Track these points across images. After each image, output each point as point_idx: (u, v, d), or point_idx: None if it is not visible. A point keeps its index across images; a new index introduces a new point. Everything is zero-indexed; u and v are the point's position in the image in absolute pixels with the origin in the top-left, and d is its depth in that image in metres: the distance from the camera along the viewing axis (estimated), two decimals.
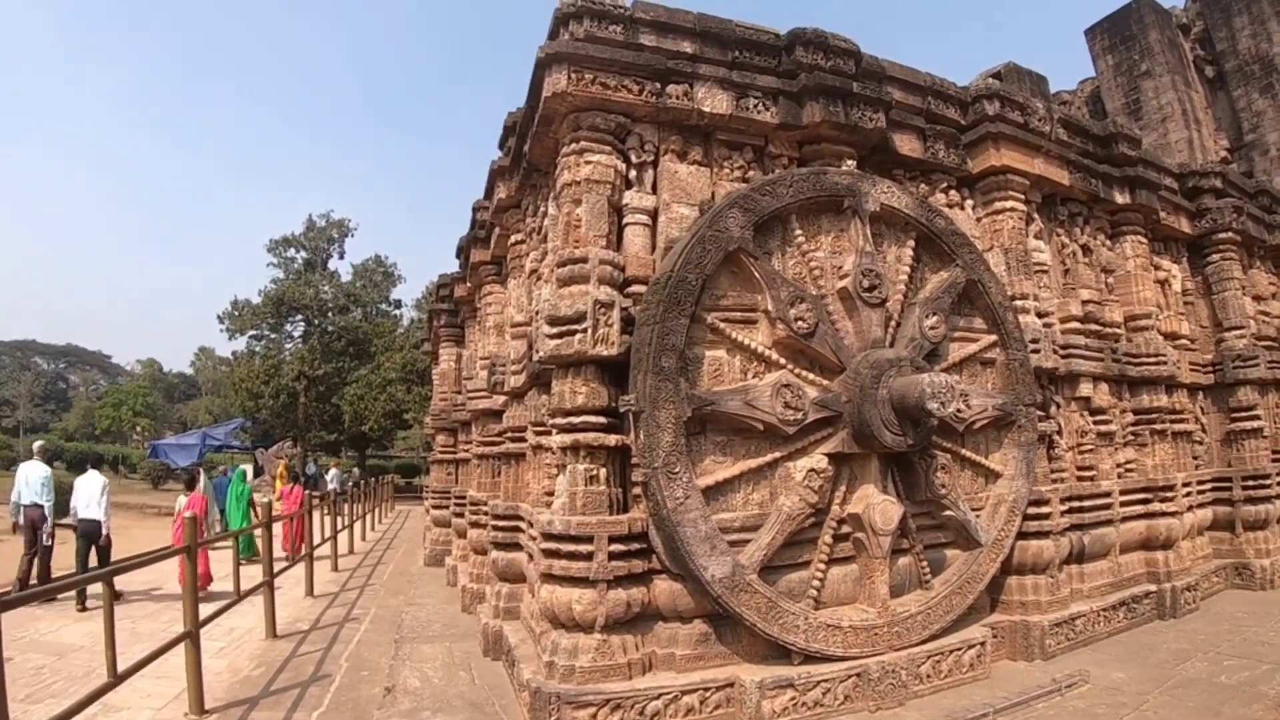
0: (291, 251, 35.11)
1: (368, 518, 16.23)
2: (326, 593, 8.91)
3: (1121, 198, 6.93)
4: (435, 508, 11.39)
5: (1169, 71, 13.49)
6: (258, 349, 33.99)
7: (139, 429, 43.20)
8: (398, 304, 37.60)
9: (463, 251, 8.54)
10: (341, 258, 36.60)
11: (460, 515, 8.53)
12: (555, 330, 4.44)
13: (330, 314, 34.01)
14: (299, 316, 33.93)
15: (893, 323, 5.11)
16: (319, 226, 35.59)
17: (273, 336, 34.47)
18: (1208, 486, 7.83)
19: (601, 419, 4.42)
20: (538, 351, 4.69)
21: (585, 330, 4.35)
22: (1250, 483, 7.95)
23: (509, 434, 6.19)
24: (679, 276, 4.34)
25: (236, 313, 33.44)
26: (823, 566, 4.67)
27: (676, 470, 4.20)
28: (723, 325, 4.55)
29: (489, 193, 6.83)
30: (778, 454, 4.57)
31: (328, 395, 32.29)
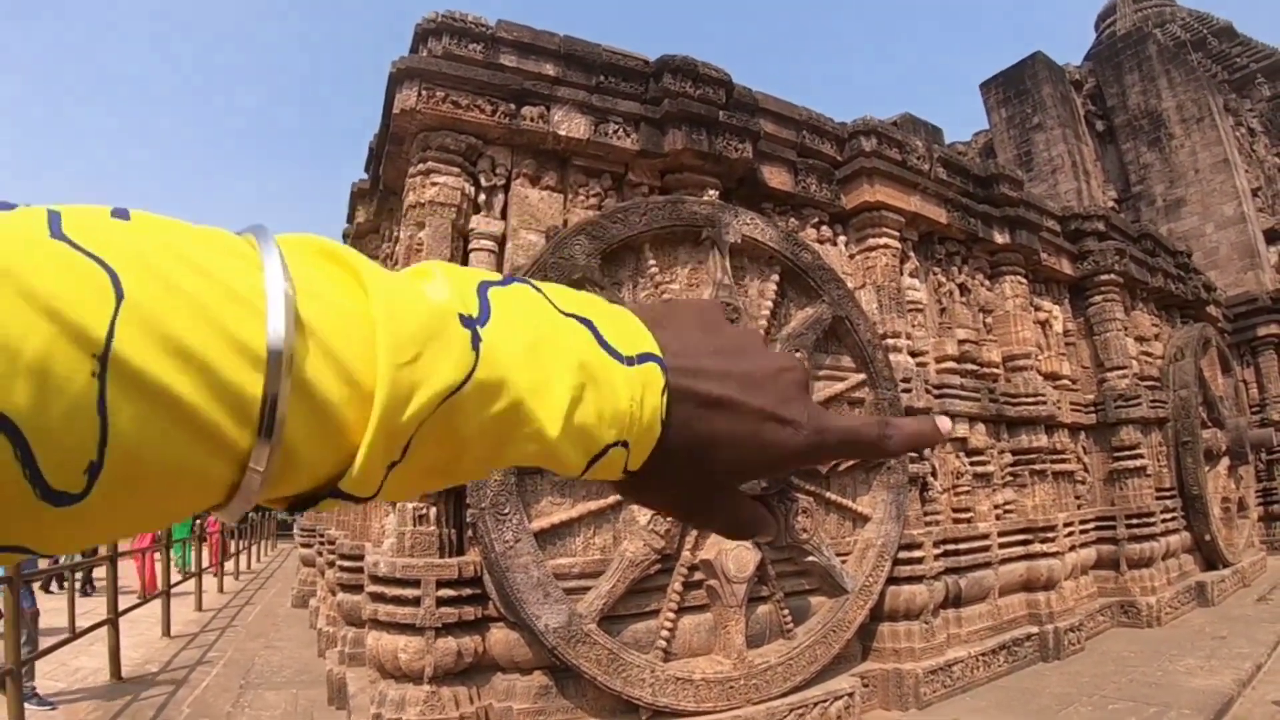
0: None
1: (243, 555, 15.88)
2: (185, 633, 8.47)
3: (1001, 238, 7.00)
4: (304, 545, 10.80)
5: (1060, 125, 14.09)
6: None
7: None
8: None
9: None
10: None
11: (322, 554, 8.05)
12: None
13: None
14: None
15: None
16: None
17: None
18: (1091, 526, 7.88)
19: None
20: None
21: None
22: (1134, 521, 8.03)
23: None
24: None
25: None
26: (673, 616, 4.39)
27: (506, 511, 3.90)
28: None
29: (350, 216, 6.51)
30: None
31: None
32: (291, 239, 0.35)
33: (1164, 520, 8.29)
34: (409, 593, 3.93)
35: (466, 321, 0.35)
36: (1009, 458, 6.76)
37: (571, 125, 4.76)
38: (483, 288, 0.38)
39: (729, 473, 0.44)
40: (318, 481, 0.33)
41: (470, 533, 4.11)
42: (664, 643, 4.33)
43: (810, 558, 4.87)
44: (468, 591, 4.04)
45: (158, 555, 10.14)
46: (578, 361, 0.38)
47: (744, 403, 0.43)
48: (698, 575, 4.50)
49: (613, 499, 4.28)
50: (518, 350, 0.36)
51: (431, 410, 0.33)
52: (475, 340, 0.35)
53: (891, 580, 5.36)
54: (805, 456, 0.45)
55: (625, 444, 0.39)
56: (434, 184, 4.50)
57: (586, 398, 0.38)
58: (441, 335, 0.34)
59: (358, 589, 5.49)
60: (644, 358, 0.40)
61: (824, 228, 5.92)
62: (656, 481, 0.43)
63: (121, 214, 0.30)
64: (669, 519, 4.25)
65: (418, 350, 0.33)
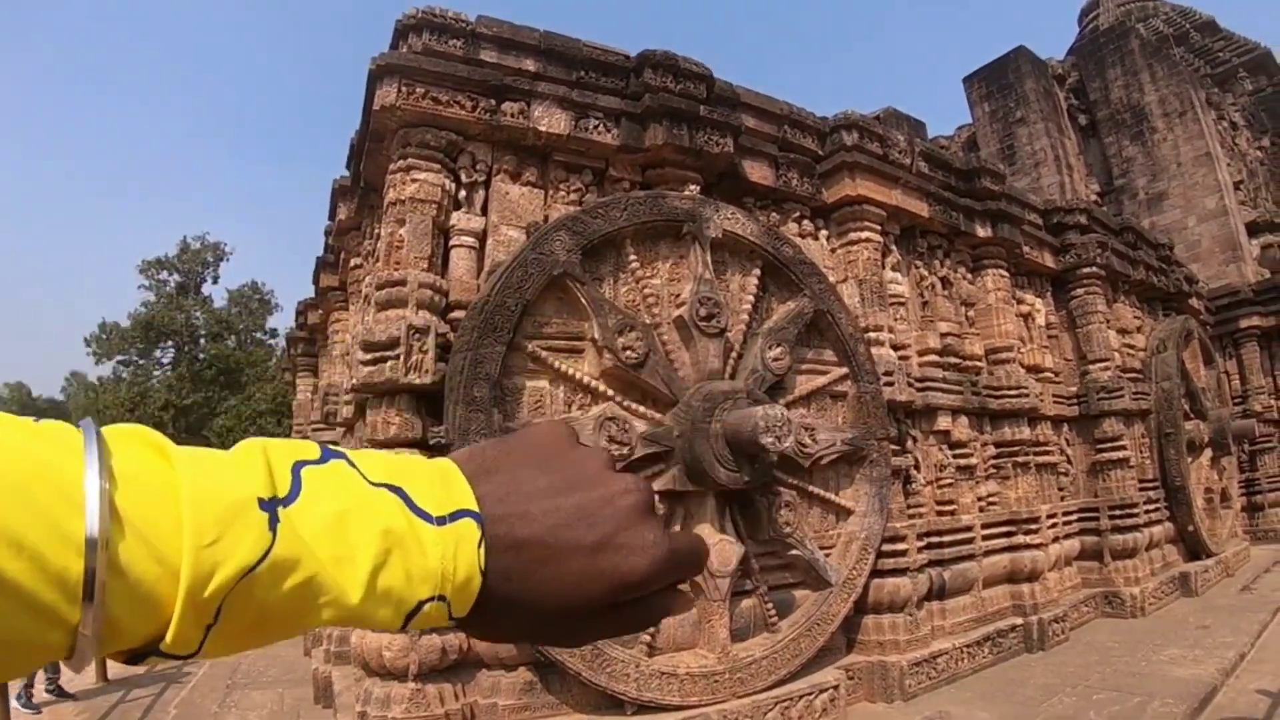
0: (164, 274, 33.21)
1: None
2: None
3: (983, 231, 7.03)
4: None
5: (1043, 119, 14.18)
6: (125, 375, 31.74)
7: None
8: (273, 333, 35.23)
9: (316, 276, 8.14)
10: (216, 282, 34.74)
11: None
12: (369, 357, 4.11)
13: (202, 341, 32.02)
14: (169, 342, 31.92)
15: (733, 354, 4.94)
16: (193, 249, 33.80)
17: (141, 363, 32.14)
18: (1074, 517, 7.93)
19: (415, 452, 4.09)
20: (353, 379, 4.36)
21: (398, 357, 4.03)
22: (1117, 512, 8.08)
23: None
24: (497, 301, 4.07)
25: (104, 336, 31.28)
26: None
27: None
28: (545, 354, 4.29)
29: (332, 213, 6.49)
30: None
31: (197, 427, 30.26)
32: (117, 431, 0.39)
33: (1147, 511, 8.36)
34: None
35: (267, 504, 0.39)
36: (992, 450, 6.80)
37: (552, 121, 4.75)
38: (297, 468, 0.41)
39: (572, 606, 0.45)
40: (145, 642, 0.37)
41: None
42: (648, 637, 4.33)
43: (793, 551, 4.88)
44: None
45: None
46: (382, 529, 0.41)
47: (571, 540, 0.44)
48: None
49: None
50: (320, 526, 0.40)
51: (232, 586, 0.37)
52: (273, 522, 0.39)
53: (875, 573, 5.38)
54: (656, 578, 0.46)
55: (443, 598, 0.42)
56: (414, 180, 4.48)
57: (392, 562, 0.41)
58: (240, 519, 0.38)
59: None
60: (457, 515, 0.43)
61: (805, 222, 5.93)
62: (499, 623, 0.46)
63: None
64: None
65: (219, 533, 0.37)
